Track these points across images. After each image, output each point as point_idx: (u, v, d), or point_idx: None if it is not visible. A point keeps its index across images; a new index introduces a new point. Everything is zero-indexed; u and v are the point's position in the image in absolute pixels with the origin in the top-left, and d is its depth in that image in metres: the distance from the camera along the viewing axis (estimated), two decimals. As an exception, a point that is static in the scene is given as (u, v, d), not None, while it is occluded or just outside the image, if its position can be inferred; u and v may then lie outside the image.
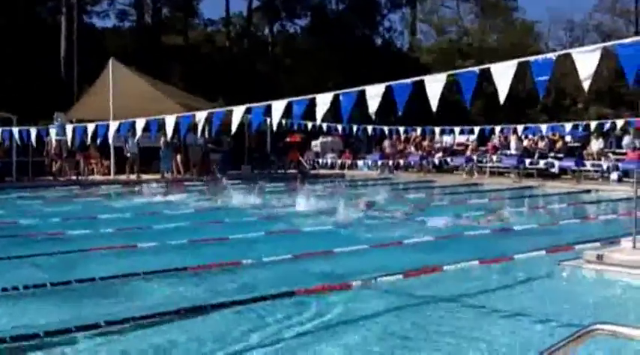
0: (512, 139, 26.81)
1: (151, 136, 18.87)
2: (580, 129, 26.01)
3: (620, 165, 23.20)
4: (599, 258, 8.94)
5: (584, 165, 24.48)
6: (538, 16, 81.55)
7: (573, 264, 9.15)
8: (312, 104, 9.28)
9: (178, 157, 26.70)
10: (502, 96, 7.69)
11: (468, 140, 29.63)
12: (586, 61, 7.26)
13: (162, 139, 24.44)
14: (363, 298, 7.62)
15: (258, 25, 53.84)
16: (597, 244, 10.22)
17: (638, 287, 8.24)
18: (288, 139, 32.16)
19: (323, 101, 9.16)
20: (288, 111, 10.35)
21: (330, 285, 8.02)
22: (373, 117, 8.76)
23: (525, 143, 26.83)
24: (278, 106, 9.50)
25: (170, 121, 11.11)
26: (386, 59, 45.96)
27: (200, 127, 11.22)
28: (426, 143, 30.36)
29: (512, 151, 26.34)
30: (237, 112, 10.17)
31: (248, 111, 10.24)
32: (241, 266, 9.18)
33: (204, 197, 20.12)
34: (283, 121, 24.74)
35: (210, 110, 11.41)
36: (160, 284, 8.29)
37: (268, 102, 9.61)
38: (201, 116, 10.87)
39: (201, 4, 52.66)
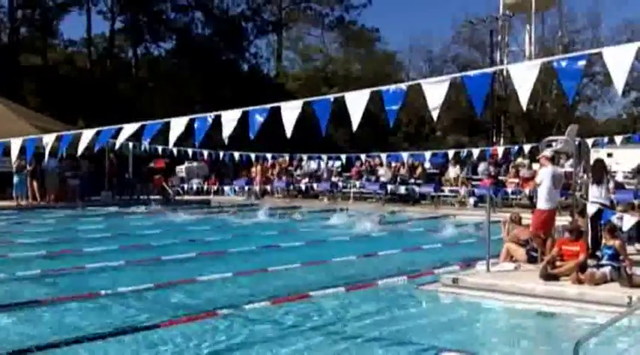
0: (377, 165, 27.33)
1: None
2: (439, 156, 26.96)
3: (476, 190, 24.19)
4: (455, 281, 9.22)
5: (442, 191, 25.35)
6: (400, 46, 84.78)
7: (431, 288, 9.39)
8: (168, 128, 9.02)
9: (34, 183, 25.30)
10: (355, 124, 7.76)
11: (332, 166, 30.00)
12: (434, 92, 7.45)
13: (16, 164, 23.09)
14: (229, 326, 7.46)
15: (121, 47, 52.54)
16: (455, 268, 10.56)
17: (490, 310, 8.54)
18: (152, 164, 31.27)
19: (177, 124, 8.91)
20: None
21: (194, 316, 7.80)
22: (226, 141, 8.63)
23: (388, 169, 27.45)
24: (129, 129, 9.13)
25: (16, 144, 10.45)
26: (251, 84, 45.94)
27: (47, 150, 10.65)
28: (292, 168, 30.51)
29: (373, 177, 26.87)
30: (87, 135, 9.71)
31: (99, 133, 9.78)
32: (100, 298, 8.80)
33: (62, 225, 19.15)
34: (148, 146, 24.12)
35: (57, 133, 10.79)
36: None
37: (119, 126, 9.23)
38: (48, 139, 10.30)
39: (61, 25, 50.73)
